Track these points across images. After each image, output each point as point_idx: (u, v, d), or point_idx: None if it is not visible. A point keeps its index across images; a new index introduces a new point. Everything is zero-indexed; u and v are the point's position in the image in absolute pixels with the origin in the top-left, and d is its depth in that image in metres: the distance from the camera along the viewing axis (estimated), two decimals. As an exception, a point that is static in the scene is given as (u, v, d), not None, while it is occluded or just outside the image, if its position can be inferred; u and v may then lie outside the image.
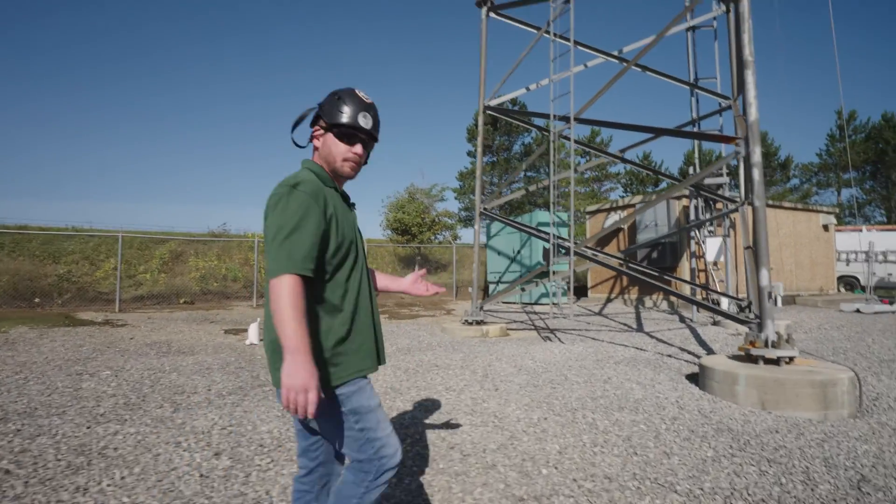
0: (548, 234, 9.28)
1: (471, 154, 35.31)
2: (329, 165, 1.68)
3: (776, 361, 4.80)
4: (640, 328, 9.61)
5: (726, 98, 9.89)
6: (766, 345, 4.91)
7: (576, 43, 7.98)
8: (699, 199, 11.32)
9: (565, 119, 7.42)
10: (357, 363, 1.63)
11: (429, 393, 4.73)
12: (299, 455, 1.78)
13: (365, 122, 1.66)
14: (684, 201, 13.34)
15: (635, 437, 3.51)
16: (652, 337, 8.42)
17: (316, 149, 1.71)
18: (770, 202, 15.86)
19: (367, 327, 1.69)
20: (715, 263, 13.48)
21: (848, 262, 20.16)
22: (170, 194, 60.36)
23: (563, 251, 8.02)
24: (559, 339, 8.13)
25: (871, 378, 5.35)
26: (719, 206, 11.15)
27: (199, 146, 63.50)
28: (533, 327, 9.91)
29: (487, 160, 35.01)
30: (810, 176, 34.81)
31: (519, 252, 15.61)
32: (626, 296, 15.79)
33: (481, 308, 9.57)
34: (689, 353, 6.92)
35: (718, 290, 12.97)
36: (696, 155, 11.29)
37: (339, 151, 1.66)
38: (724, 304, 11.72)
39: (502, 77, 9.25)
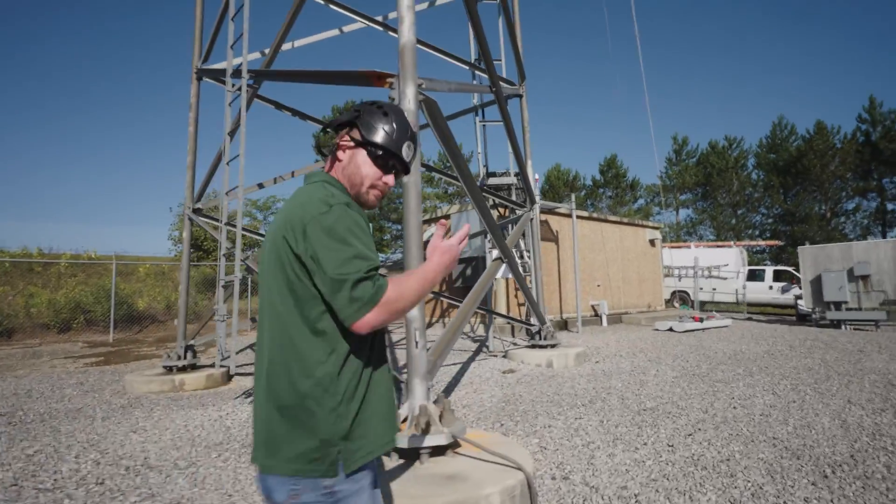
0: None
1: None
2: (351, 187, 1.29)
3: (416, 455, 2.73)
4: (405, 366, 7.51)
5: (511, 84, 8.37)
6: (407, 425, 2.85)
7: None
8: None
9: (238, 74, 5.12)
10: (372, 438, 1.14)
11: None
12: None
13: (408, 153, 1.32)
14: (499, 210, 11.79)
15: None
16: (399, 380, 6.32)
17: (338, 160, 1.30)
18: (595, 215, 15.13)
19: (386, 376, 1.23)
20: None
21: (680, 277, 20.58)
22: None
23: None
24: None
25: (600, 452, 3.54)
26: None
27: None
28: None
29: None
30: (653, 196, 36.97)
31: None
32: (446, 319, 13.98)
33: (187, 348, 6.87)
34: (407, 411, 4.83)
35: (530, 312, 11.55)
36: (481, 137, 9.18)
37: (369, 175, 1.28)
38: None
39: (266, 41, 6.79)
